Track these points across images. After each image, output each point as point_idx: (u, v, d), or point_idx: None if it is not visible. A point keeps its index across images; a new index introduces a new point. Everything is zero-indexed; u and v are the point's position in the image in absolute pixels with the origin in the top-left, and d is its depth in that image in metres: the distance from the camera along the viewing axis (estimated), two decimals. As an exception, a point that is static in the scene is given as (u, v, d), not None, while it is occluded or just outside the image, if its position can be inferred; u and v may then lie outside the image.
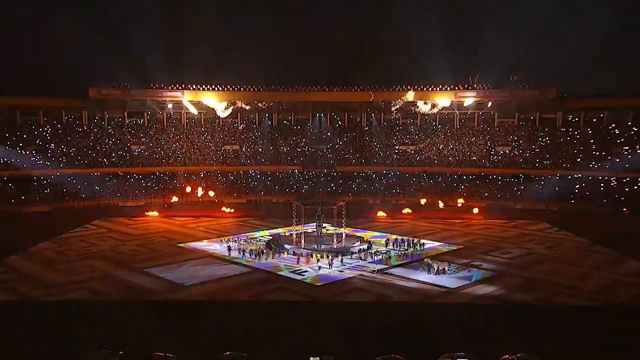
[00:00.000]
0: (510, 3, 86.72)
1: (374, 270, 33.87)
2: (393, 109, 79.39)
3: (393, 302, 27.87)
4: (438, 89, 77.42)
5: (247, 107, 79.46)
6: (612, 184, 64.13)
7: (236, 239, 43.29)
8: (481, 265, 35.57)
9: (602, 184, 64.39)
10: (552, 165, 69.18)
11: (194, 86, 77.91)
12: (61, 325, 23.20)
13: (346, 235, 42.80)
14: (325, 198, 56.70)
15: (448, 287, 30.15)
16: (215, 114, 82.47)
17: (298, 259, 36.45)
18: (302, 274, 33.34)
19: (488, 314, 26.06)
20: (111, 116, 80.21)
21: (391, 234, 46.12)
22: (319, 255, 36.61)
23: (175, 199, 63.11)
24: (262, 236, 45.73)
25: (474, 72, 76.27)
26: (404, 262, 36.39)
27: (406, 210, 58.85)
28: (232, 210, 58.29)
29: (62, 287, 30.09)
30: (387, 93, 78.75)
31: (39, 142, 71.65)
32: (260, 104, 79.20)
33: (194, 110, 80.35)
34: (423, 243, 41.52)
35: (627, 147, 67.40)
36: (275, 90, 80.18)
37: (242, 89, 79.05)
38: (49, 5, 79.64)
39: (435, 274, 32.65)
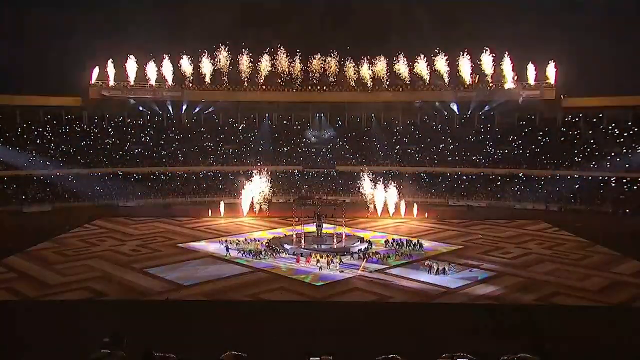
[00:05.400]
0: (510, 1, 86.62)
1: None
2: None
3: (393, 302, 27.87)
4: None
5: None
6: (612, 184, 64.16)
7: (235, 239, 43.29)
8: (481, 265, 35.62)
9: (602, 184, 64.43)
10: (552, 166, 69.28)
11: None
12: (61, 325, 23.18)
13: (346, 235, 42.82)
14: (325, 198, 56.79)
15: (448, 287, 30.17)
16: (215, 114, 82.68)
17: (298, 259, 36.46)
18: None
19: (488, 314, 26.04)
20: (111, 116, 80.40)
21: (390, 234, 46.21)
22: (318, 255, 36.62)
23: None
24: (261, 236, 45.69)
25: (475, 74, 76.31)
26: (404, 262, 36.43)
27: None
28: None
29: (62, 287, 30.08)
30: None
31: (39, 142, 71.76)
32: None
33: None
34: (422, 243, 41.46)
35: (626, 147, 67.48)
36: (276, 90, 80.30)
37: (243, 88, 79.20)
38: (50, 4, 79.54)
39: (435, 274, 32.67)
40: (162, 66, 76.40)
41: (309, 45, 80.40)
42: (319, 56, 79.58)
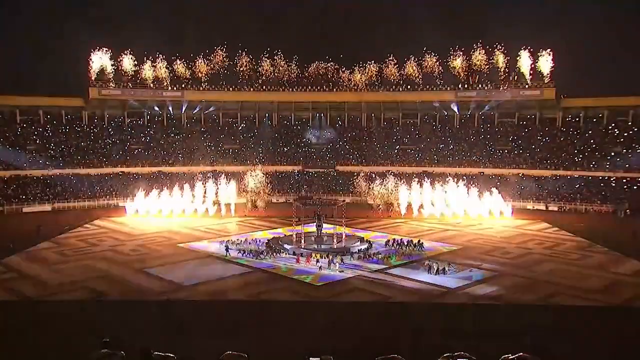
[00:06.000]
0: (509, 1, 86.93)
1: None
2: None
3: (393, 302, 27.86)
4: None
5: None
6: (612, 184, 64.15)
7: (235, 239, 43.24)
8: (481, 265, 35.59)
9: (602, 184, 64.42)
10: (552, 166, 69.24)
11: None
12: (61, 325, 23.18)
13: (346, 235, 42.80)
14: (325, 198, 56.80)
15: (448, 287, 30.16)
16: (215, 114, 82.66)
17: (298, 259, 36.44)
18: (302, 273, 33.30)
19: (488, 313, 26.04)
20: (111, 116, 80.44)
21: (391, 234, 46.19)
22: (318, 255, 36.59)
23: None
24: (262, 236, 45.65)
25: (474, 73, 76.36)
26: (404, 262, 36.40)
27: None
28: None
29: (62, 287, 30.07)
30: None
31: (39, 142, 71.76)
32: None
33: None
34: (422, 243, 41.44)
35: (626, 147, 67.49)
36: (276, 90, 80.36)
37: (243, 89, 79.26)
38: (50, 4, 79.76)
39: (435, 274, 32.66)
40: (161, 66, 76.44)
41: (306, 47, 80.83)
42: (316, 63, 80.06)
